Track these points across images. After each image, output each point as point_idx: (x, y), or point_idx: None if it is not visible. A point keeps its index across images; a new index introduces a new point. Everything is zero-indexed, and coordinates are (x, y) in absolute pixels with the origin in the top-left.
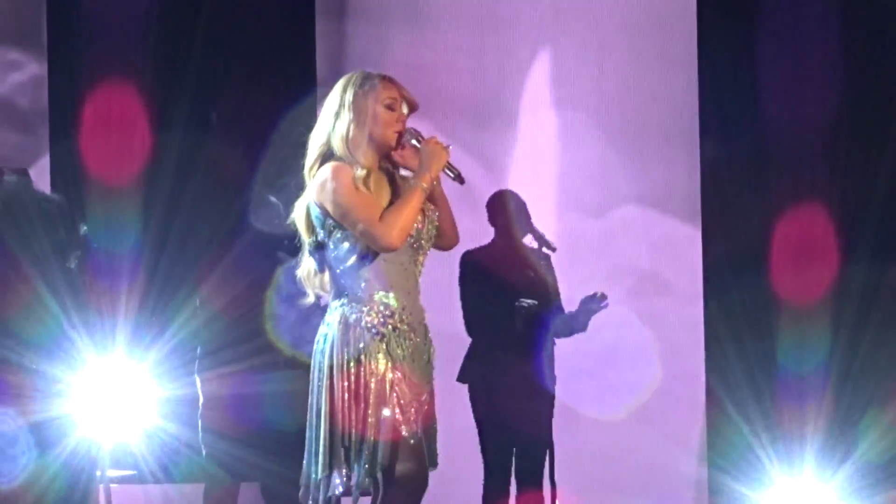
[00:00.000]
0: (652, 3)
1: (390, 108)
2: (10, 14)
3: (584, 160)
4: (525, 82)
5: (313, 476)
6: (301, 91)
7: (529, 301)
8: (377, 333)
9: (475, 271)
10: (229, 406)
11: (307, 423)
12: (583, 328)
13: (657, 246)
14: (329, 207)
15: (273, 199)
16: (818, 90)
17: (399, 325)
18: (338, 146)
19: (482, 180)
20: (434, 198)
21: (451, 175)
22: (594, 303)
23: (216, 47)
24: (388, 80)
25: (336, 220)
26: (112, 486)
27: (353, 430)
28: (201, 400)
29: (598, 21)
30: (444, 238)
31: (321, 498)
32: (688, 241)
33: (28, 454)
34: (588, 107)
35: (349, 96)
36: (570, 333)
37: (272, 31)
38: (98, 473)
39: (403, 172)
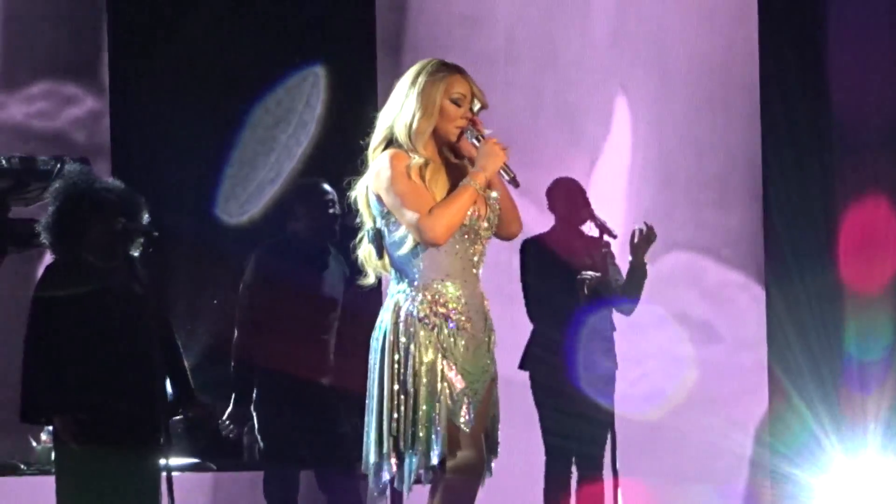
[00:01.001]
0: (714, 49)
1: (456, 102)
2: (69, 49)
3: (641, 206)
4: (581, 126)
5: (367, 462)
6: (361, 84)
7: (592, 273)
8: (429, 323)
9: (536, 259)
10: (288, 396)
11: (365, 409)
12: (642, 272)
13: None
14: (383, 196)
15: (326, 186)
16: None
17: (453, 315)
18: (400, 132)
19: (534, 222)
20: (494, 186)
21: (507, 177)
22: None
23: (276, 41)
24: (461, 74)
25: (388, 209)
26: (174, 473)
27: (402, 420)
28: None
29: (659, 66)
30: (505, 226)
31: (373, 484)
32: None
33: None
34: (647, 153)
35: (420, 84)
36: (632, 289)
37: (335, 70)
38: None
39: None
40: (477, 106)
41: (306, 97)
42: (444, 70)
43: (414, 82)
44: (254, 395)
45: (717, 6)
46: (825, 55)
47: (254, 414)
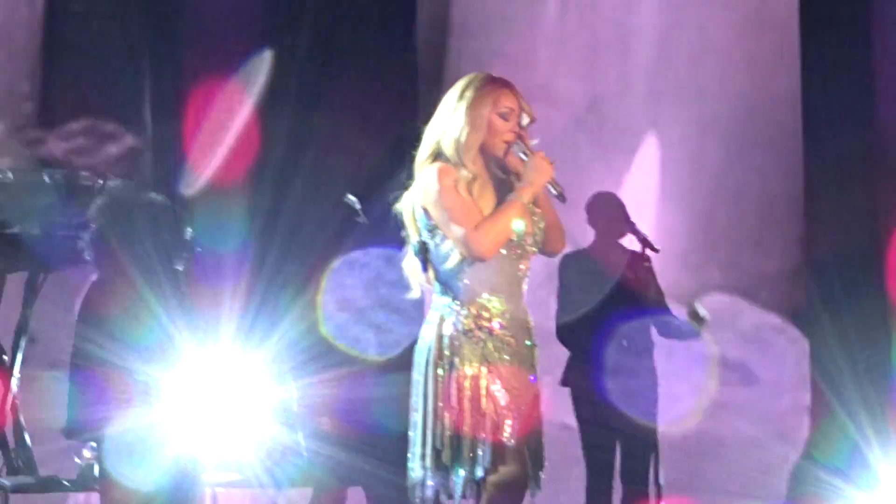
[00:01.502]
0: (755, 90)
1: (504, 117)
2: (110, 88)
3: (679, 246)
4: (617, 166)
5: (412, 476)
6: (402, 94)
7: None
8: (473, 337)
9: (578, 274)
10: (334, 410)
11: (410, 424)
12: (691, 335)
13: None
14: (431, 210)
15: (351, 197)
16: None
17: (497, 330)
18: (448, 147)
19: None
20: (539, 203)
21: (554, 192)
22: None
23: (320, 51)
24: (509, 88)
25: (435, 222)
26: (217, 490)
27: (446, 433)
28: (301, 405)
29: (698, 107)
30: (550, 243)
31: (418, 499)
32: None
33: (135, 459)
34: (685, 194)
35: (467, 98)
36: (678, 337)
37: (374, 37)
38: (203, 478)
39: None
40: (525, 120)
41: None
42: (492, 84)
43: (462, 96)
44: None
45: (759, 47)
46: (872, 94)
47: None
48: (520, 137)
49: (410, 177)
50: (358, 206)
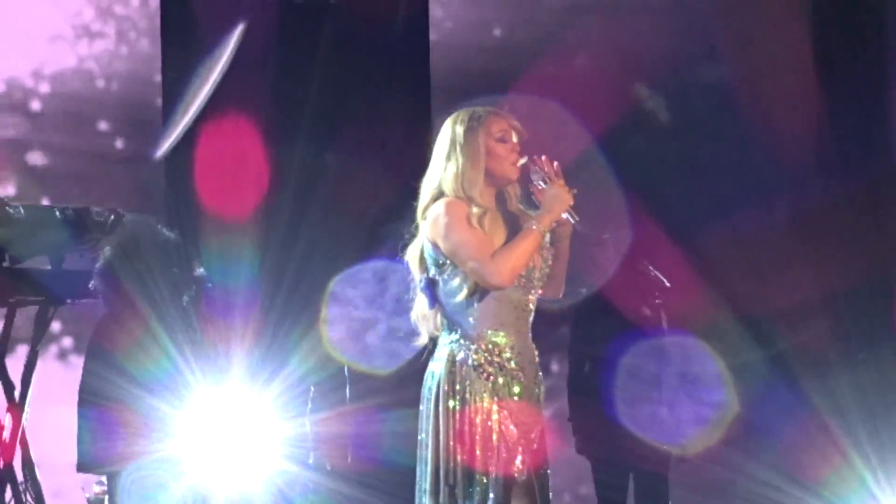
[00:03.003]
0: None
1: (502, 140)
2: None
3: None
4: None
5: None
6: (415, 126)
7: None
8: (483, 372)
9: (588, 309)
10: (345, 445)
11: (417, 459)
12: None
13: None
14: (441, 243)
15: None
16: None
17: (507, 364)
18: (451, 187)
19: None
20: (558, 248)
21: (573, 220)
22: None
23: (332, 84)
24: (494, 112)
25: (447, 255)
26: None
27: (458, 469)
28: (314, 440)
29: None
30: (549, 288)
31: None
32: None
33: (145, 494)
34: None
35: (459, 136)
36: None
37: (387, 67)
38: None
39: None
40: (516, 138)
41: None
42: (478, 113)
43: (452, 137)
44: None
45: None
46: (887, 127)
47: None
48: (535, 164)
49: (415, 230)
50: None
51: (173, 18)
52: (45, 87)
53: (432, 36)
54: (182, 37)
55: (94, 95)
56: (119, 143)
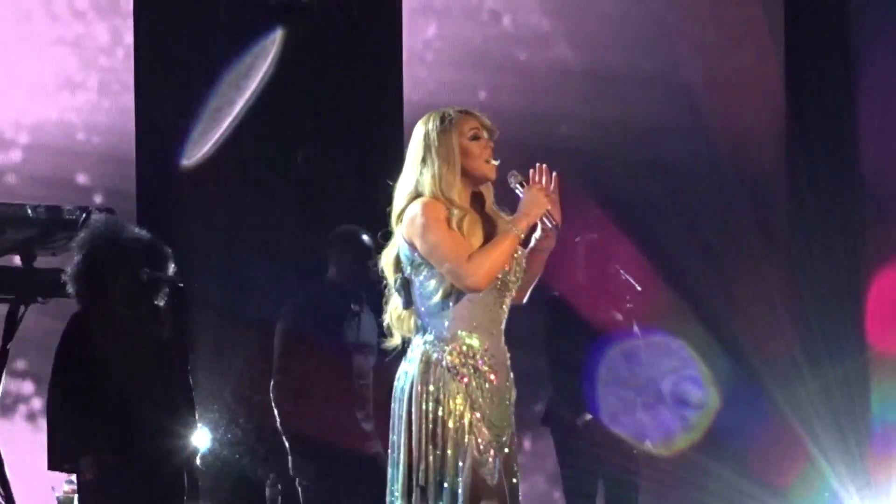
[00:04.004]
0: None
1: (475, 137)
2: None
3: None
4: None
5: None
6: (388, 127)
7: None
8: (457, 374)
9: (561, 316)
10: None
11: (388, 461)
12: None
13: None
14: (417, 243)
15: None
16: None
17: (480, 367)
18: (429, 190)
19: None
20: (535, 258)
21: (550, 224)
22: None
23: (303, 85)
24: (464, 111)
25: (423, 256)
26: None
27: (430, 470)
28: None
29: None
30: (516, 294)
31: None
32: None
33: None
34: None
35: (432, 137)
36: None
37: (358, 67)
38: None
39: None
40: (486, 135)
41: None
42: (448, 115)
43: (425, 140)
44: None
45: (744, 81)
46: (855, 141)
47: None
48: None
49: (387, 235)
50: None
51: (148, 67)
52: (24, 138)
53: (414, 97)
54: (156, 88)
55: (73, 148)
56: (98, 198)
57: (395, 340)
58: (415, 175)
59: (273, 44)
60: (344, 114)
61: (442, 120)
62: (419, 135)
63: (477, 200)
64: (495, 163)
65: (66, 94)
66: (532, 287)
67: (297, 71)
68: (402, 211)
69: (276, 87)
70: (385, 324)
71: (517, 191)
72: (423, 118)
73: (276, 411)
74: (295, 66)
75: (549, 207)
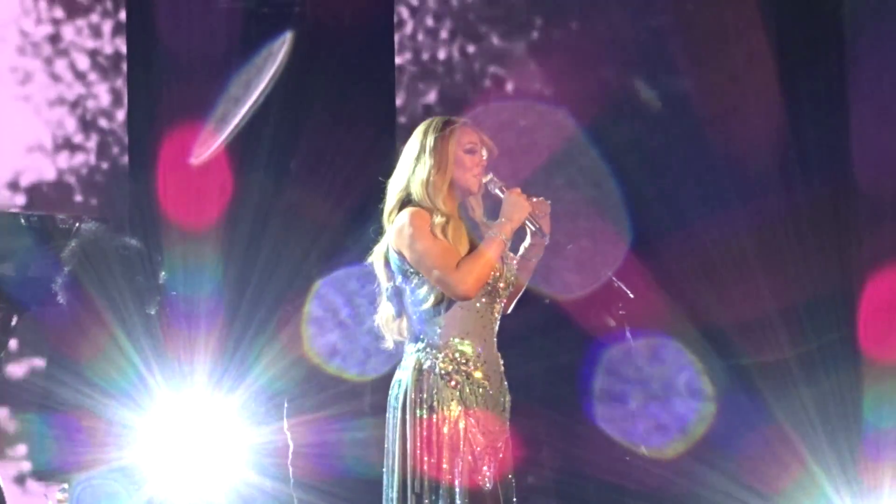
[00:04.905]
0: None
1: (471, 152)
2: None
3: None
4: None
5: None
6: (381, 134)
7: None
8: (451, 380)
9: (551, 318)
10: (314, 453)
11: (384, 467)
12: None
13: None
14: (406, 253)
15: None
16: None
17: (473, 373)
18: (417, 191)
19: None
20: (524, 266)
21: (533, 227)
22: None
23: (295, 93)
24: (467, 125)
25: (413, 265)
26: None
27: (425, 477)
28: (291, 448)
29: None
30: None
31: None
32: None
33: (106, 502)
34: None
35: (430, 141)
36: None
37: (352, 75)
38: None
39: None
40: (485, 153)
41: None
42: (452, 123)
43: (424, 141)
44: None
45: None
46: (847, 139)
47: None
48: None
49: (381, 231)
50: None
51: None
52: (20, 199)
53: (407, 106)
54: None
55: (71, 209)
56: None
57: (388, 343)
58: (407, 173)
59: (282, 46)
60: (336, 121)
61: (444, 126)
62: (419, 135)
63: (462, 209)
64: (485, 179)
65: (64, 154)
66: (518, 296)
67: (289, 79)
68: (392, 210)
69: (270, 94)
70: (375, 325)
71: (498, 195)
72: (427, 121)
73: None
74: (287, 74)
75: (531, 210)
